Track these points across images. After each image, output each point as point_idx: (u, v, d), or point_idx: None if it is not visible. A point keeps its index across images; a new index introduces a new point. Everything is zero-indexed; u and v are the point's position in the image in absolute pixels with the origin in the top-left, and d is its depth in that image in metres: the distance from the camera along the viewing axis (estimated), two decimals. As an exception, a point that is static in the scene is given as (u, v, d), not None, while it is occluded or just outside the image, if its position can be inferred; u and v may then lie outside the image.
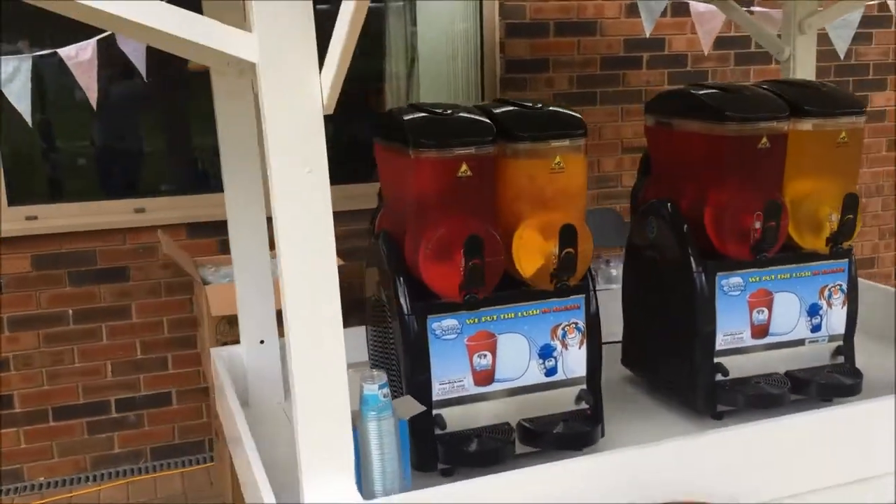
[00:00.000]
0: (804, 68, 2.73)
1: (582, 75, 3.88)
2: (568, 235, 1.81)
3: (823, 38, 2.99)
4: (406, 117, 1.81)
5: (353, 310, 3.50)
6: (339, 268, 3.36)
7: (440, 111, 1.82)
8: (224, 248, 3.58)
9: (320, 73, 1.43)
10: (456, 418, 1.86)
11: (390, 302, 1.87)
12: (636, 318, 2.30)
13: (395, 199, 1.94)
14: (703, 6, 3.44)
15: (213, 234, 3.57)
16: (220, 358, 2.36)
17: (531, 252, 1.83)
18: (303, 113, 1.44)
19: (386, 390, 1.63)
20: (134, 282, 3.55)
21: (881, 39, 4.45)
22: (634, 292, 2.29)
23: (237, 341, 3.10)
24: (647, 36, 3.38)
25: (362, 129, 3.75)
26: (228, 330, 3.14)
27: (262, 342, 2.35)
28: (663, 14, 3.34)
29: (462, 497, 1.63)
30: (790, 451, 1.88)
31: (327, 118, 1.46)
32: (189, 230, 3.56)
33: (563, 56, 3.81)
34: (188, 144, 3.91)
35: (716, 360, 2.08)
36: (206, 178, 3.77)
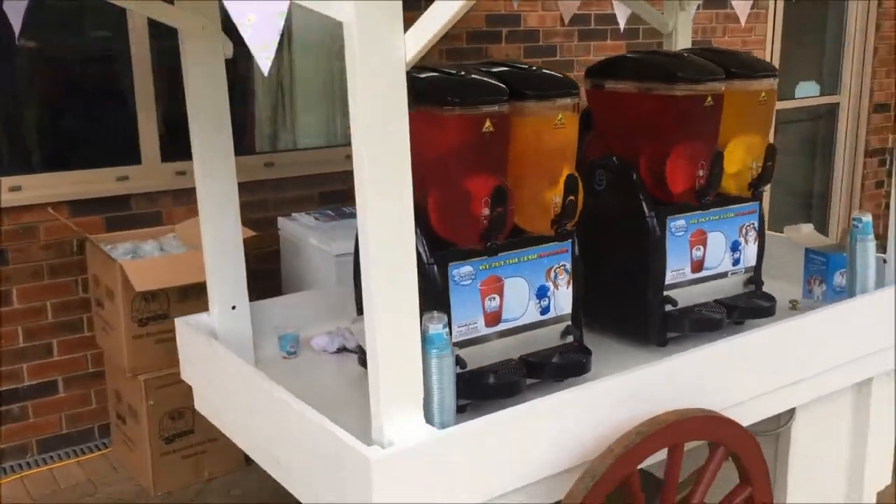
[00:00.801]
0: (684, 41, 3.11)
1: (450, 48, 4.08)
2: (571, 184, 2.02)
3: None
4: (423, 76, 1.93)
5: (267, 280, 3.51)
6: (250, 239, 3.37)
7: (454, 72, 1.95)
8: (112, 225, 3.44)
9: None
10: (471, 358, 2.02)
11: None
12: (586, 264, 2.54)
13: (414, 157, 2.04)
14: (567, -16, 3.76)
15: (99, 212, 3.41)
16: (191, 327, 2.34)
17: (535, 202, 2.03)
18: (390, 70, 1.52)
19: (447, 329, 1.76)
20: (14, 265, 3.30)
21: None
22: (583, 241, 2.53)
23: (156, 317, 3.06)
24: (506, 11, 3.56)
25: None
26: (145, 306, 3.04)
27: (233, 308, 2.36)
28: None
29: (509, 422, 1.79)
30: (738, 364, 2.21)
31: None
32: (72, 208, 3.37)
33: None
34: (67, 117, 3.66)
35: (665, 293, 2.38)
36: (87, 152, 3.57)
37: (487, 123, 1.89)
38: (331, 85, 4.11)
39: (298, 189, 3.82)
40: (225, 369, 2.17)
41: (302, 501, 1.96)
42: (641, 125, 2.36)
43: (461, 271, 1.99)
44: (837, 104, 6.04)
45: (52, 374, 3.45)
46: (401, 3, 1.51)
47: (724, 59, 2.41)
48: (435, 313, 1.76)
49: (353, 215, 3.56)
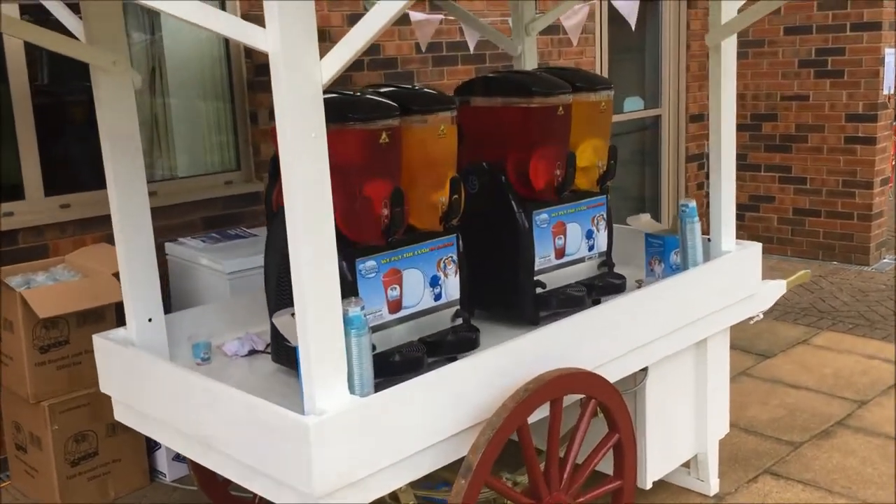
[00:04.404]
0: (530, 62, 3.55)
1: (317, 77, 4.37)
2: (455, 186, 2.36)
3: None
4: (326, 97, 2.22)
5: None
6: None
7: (350, 93, 2.27)
8: (1, 260, 3.49)
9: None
10: (378, 342, 2.32)
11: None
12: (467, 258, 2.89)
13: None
14: (420, 15, 4.14)
15: (-16, 247, 3.46)
16: (110, 340, 2.51)
17: (425, 201, 2.36)
18: (308, 90, 1.82)
19: (365, 311, 2.06)
20: None
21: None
22: (463, 238, 2.88)
23: (56, 344, 3.17)
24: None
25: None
26: (45, 334, 3.14)
27: (150, 320, 2.55)
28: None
29: (417, 389, 2.11)
30: (598, 332, 2.61)
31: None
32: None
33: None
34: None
35: (535, 277, 2.77)
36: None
37: (384, 136, 2.21)
38: (204, 117, 4.30)
39: (182, 216, 3.98)
40: (152, 375, 2.36)
41: (237, 482, 2.20)
42: (505, 134, 2.74)
43: (366, 265, 2.29)
44: (660, 116, 6.74)
45: (-57, 412, 3.44)
46: (316, 35, 1.82)
47: (569, 76, 2.84)
48: (353, 298, 2.05)
49: (238, 237, 3.80)
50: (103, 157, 2.45)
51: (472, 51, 3.62)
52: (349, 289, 2.24)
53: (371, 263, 2.30)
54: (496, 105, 2.74)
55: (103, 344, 2.53)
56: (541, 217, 2.75)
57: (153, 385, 2.36)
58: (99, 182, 3.91)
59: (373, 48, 4.62)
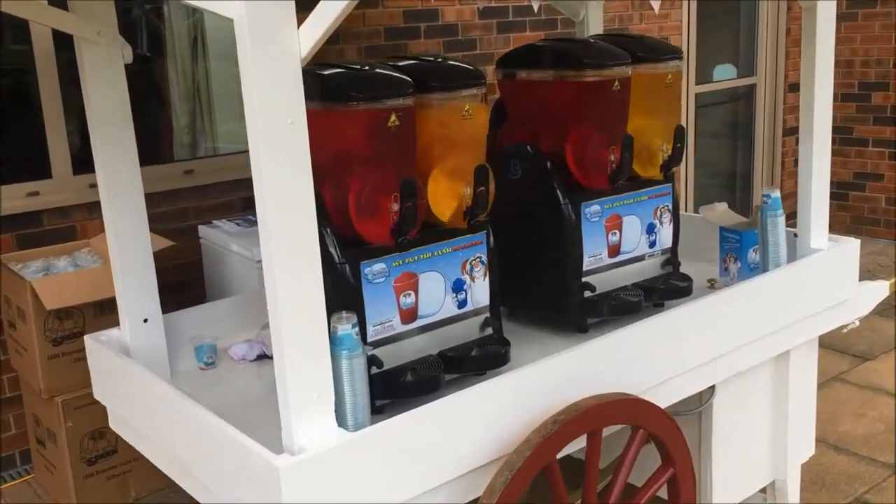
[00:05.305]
0: (595, 27, 3.13)
1: (370, 46, 4.05)
2: (481, 175, 2.00)
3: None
4: (328, 73, 1.89)
5: (191, 290, 3.44)
6: (168, 249, 3.30)
7: (357, 67, 1.93)
8: (23, 243, 3.32)
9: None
10: (387, 357, 2.00)
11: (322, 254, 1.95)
12: (500, 254, 2.54)
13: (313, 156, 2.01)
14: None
15: (9, 230, 3.29)
16: (101, 343, 2.27)
17: (447, 194, 2.01)
18: (283, 66, 1.49)
19: (357, 329, 1.74)
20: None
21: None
22: (499, 231, 2.53)
23: (70, 336, 2.97)
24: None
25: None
26: (59, 325, 2.95)
27: (145, 321, 2.29)
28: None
29: (424, 419, 1.77)
30: (656, 345, 2.22)
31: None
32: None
33: (351, 28, 3.95)
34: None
35: (583, 279, 2.39)
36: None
37: (393, 117, 1.87)
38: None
39: (220, 196, 3.75)
40: (137, 385, 2.11)
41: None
42: (551, 113, 2.36)
43: (374, 269, 1.96)
44: (754, 85, 6.16)
45: (-34, 400, 3.32)
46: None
47: (630, 44, 2.42)
48: (344, 313, 1.73)
49: (274, 219, 3.52)
50: (91, 137, 2.19)
51: (535, 9, 3.22)
52: (353, 296, 1.93)
53: (380, 266, 1.97)
54: (542, 79, 2.36)
55: (94, 346, 2.29)
56: (591, 209, 2.37)
57: (136, 396, 2.11)
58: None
59: (430, 13, 4.26)
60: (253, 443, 1.65)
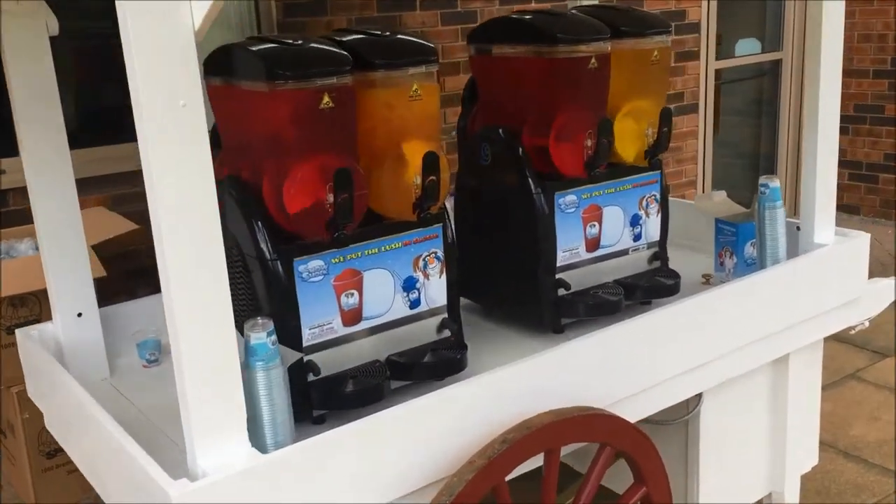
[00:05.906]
0: (591, -3, 2.90)
1: (361, 18, 3.83)
2: (431, 163, 1.80)
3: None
4: (255, 48, 1.70)
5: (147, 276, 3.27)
6: (133, 232, 3.11)
7: (290, 42, 1.72)
8: (-7, 222, 3.17)
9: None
10: (327, 362, 1.81)
11: (249, 250, 1.76)
12: (472, 246, 2.34)
13: (240, 141, 1.82)
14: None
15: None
16: (31, 338, 2.11)
17: (392, 184, 1.81)
18: (173, 39, 1.30)
19: (274, 338, 1.55)
20: None
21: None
22: (468, 221, 2.32)
23: (26, 323, 2.80)
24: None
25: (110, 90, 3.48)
26: (13, 313, 2.80)
27: (79, 315, 2.12)
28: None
29: (353, 437, 1.58)
30: (637, 350, 2.02)
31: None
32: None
33: (340, -2, 3.74)
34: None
35: (557, 275, 2.18)
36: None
37: (326, 98, 1.67)
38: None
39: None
40: (57, 385, 1.94)
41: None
42: (523, 92, 2.14)
43: (309, 266, 1.77)
44: (780, 61, 5.85)
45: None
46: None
47: (614, 17, 2.19)
48: (259, 320, 1.54)
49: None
50: (14, 118, 2.01)
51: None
52: (286, 295, 1.74)
53: (316, 263, 1.77)
54: (512, 54, 2.14)
55: (25, 341, 2.13)
56: (566, 199, 2.15)
57: (58, 397, 1.95)
58: (100, 138, 3.58)
59: (427, -17, 4.02)
60: (151, 464, 1.47)
